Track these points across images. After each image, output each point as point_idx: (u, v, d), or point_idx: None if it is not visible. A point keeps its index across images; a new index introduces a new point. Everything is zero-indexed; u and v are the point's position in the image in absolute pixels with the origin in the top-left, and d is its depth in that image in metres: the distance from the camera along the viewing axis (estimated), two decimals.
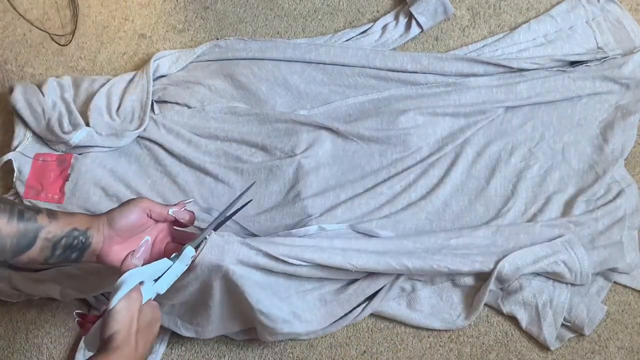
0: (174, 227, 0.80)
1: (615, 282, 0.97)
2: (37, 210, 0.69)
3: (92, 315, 0.67)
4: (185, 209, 0.78)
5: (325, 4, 1.10)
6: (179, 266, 0.73)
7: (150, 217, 0.75)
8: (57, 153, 1.01)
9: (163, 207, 0.75)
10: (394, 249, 0.91)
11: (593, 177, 0.99)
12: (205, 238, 0.78)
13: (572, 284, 0.94)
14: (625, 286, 0.97)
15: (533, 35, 1.05)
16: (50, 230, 0.68)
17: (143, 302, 0.67)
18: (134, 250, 0.71)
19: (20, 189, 0.99)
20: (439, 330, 0.96)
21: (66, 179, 0.99)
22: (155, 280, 0.70)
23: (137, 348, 0.62)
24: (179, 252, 0.73)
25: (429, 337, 0.97)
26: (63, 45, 1.07)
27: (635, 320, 0.97)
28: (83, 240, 0.71)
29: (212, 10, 1.11)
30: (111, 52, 1.10)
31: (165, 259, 0.72)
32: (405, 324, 0.96)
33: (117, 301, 0.63)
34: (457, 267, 0.90)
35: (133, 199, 0.75)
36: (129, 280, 0.64)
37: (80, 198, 0.98)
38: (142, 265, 0.70)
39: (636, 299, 0.97)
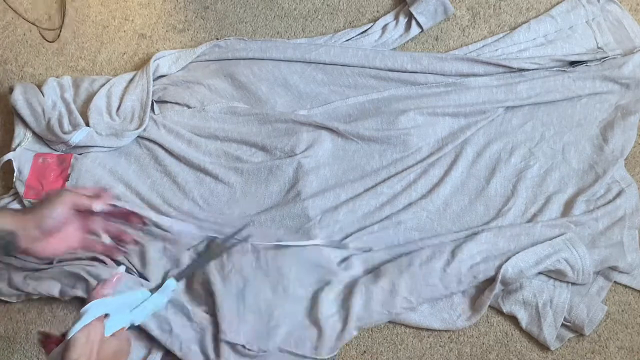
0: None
1: (615, 282, 0.97)
2: None
3: (55, 337, 0.67)
4: (110, 204, 0.78)
5: (325, 4, 1.10)
6: (159, 297, 0.72)
7: (78, 211, 0.75)
8: (57, 153, 1.01)
9: (89, 201, 0.75)
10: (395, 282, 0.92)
11: (593, 177, 0.99)
12: (186, 270, 0.77)
13: (573, 283, 0.94)
14: (625, 286, 0.97)
15: (533, 35, 1.05)
16: None
17: (112, 332, 0.67)
18: (106, 280, 0.71)
19: (20, 189, 0.99)
20: (439, 330, 0.96)
21: (66, 179, 0.99)
22: (133, 310, 0.70)
23: None
24: (161, 282, 0.73)
25: (429, 337, 0.97)
26: (51, 42, 1.07)
27: (635, 320, 0.97)
28: (9, 239, 0.71)
29: (212, 10, 1.11)
30: (111, 52, 1.10)
31: (143, 289, 0.72)
32: (405, 324, 0.96)
33: (76, 330, 0.63)
34: (463, 287, 0.91)
35: (57, 194, 0.74)
36: (91, 310, 0.65)
37: None
38: (114, 295, 0.69)
39: (636, 299, 0.97)
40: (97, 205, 0.76)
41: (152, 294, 0.72)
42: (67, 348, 0.62)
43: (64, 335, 0.64)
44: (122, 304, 0.68)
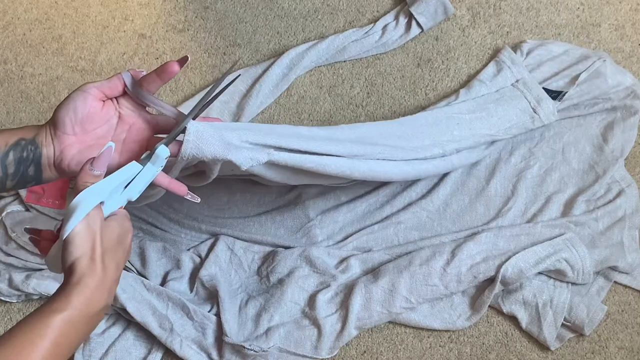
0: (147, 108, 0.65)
1: (615, 282, 0.97)
2: None
3: (49, 232, 0.59)
4: (139, 71, 0.64)
5: (325, 4, 1.10)
6: (151, 169, 0.62)
7: (106, 99, 0.63)
8: None
9: (112, 78, 0.63)
10: (396, 282, 0.92)
11: (593, 177, 0.99)
12: (183, 131, 0.64)
13: (573, 283, 0.94)
14: (625, 286, 0.97)
15: (463, 98, 0.99)
16: None
17: (109, 212, 0.58)
18: (93, 158, 0.57)
19: (22, 192, 0.98)
20: (439, 330, 0.96)
21: (69, 183, 0.99)
22: (126, 186, 0.60)
23: (106, 274, 0.54)
24: (151, 151, 0.62)
25: (429, 337, 0.97)
26: None
27: (635, 320, 0.97)
28: (33, 149, 0.60)
29: (212, 10, 1.11)
30: (111, 52, 1.10)
31: (134, 162, 0.61)
32: (405, 324, 0.96)
33: (72, 227, 0.53)
34: (463, 287, 0.92)
35: (78, 88, 0.62)
36: (84, 201, 0.54)
37: None
38: (106, 174, 0.58)
39: (636, 299, 0.97)
40: (125, 74, 0.62)
41: (143, 165, 0.61)
42: (67, 246, 0.53)
43: (58, 229, 0.55)
44: (113, 184, 0.58)
